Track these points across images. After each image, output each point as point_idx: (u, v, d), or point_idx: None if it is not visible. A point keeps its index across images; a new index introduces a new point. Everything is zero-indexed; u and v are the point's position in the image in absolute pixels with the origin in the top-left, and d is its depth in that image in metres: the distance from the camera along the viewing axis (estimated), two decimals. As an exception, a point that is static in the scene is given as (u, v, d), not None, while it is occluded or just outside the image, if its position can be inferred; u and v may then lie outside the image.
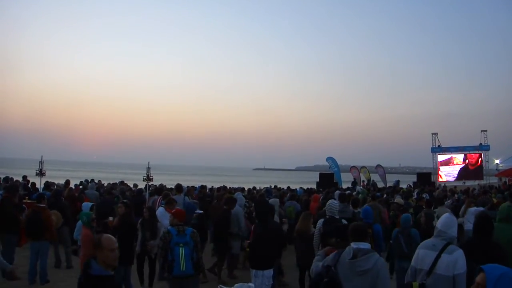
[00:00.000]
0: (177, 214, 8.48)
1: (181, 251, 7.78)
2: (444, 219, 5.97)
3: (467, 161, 51.98)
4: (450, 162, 53.29)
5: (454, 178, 52.25)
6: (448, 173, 53.08)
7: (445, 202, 16.82)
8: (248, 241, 9.82)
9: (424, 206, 14.15)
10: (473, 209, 14.87)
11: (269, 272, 8.66)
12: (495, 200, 19.72)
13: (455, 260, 5.47)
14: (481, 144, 51.07)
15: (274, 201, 13.39)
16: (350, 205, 12.99)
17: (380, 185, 40.64)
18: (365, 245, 5.40)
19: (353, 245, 5.41)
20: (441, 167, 53.45)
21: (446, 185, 44.74)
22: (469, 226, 15.04)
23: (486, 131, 51.53)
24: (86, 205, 10.78)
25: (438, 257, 5.57)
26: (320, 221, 9.68)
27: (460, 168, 52.34)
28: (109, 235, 5.14)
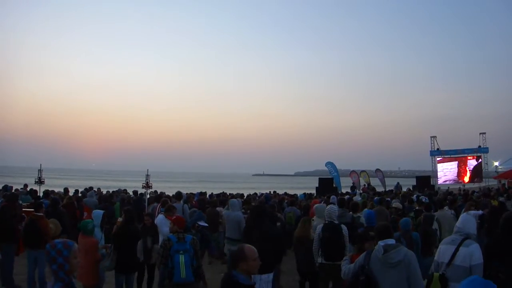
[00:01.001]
0: (177, 221, 8.46)
1: (181, 258, 7.75)
2: (462, 218, 6.77)
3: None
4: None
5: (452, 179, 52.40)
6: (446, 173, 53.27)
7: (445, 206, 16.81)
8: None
9: (424, 210, 14.12)
10: (472, 212, 14.89)
11: (267, 276, 8.57)
12: (495, 203, 19.76)
13: (472, 253, 6.12)
14: (480, 146, 51.20)
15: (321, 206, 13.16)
16: (349, 210, 12.98)
17: (380, 189, 40.63)
18: (392, 241, 6.12)
19: (381, 242, 6.10)
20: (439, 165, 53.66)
21: (449, 187, 44.74)
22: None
23: (485, 133, 51.81)
24: (97, 213, 10.77)
25: (456, 250, 6.25)
26: (319, 226, 9.68)
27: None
28: (250, 245, 5.49)
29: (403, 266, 5.80)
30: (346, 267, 6.84)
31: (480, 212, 14.72)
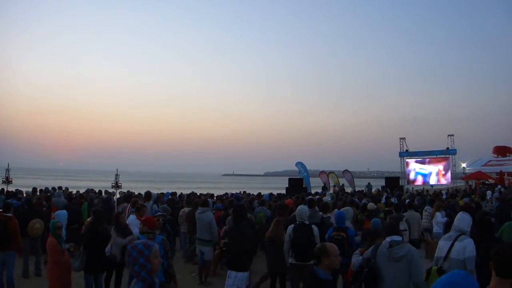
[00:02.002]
0: (147, 222, 8.40)
1: None
2: (458, 216, 7.55)
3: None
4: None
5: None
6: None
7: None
8: (225, 240, 9.82)
9: (393, 211, 14.22)
10: (440, 213, 15.09)
11: (243, 274, 8.62)
12: (461, 203, 20.04)
13: (465, 246, 6.93)
14: (448, 148, 51.70)
15: (347, 209, 13.17)
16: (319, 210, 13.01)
17: (349, 190, 40.89)
18: (398, 238, 6.57)
19: (388, 238, 6.56)
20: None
21: (425, 188, 45.18)
22: (437, 229, 15.22)
23: (453, 135, 52.25)
24: (62, 213, 10.63)
25: (452, 245, 7.05)
26: (290, 226, 9.70)
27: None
28: (331, 243, 6.17)
29: (405, 260, 6.26)
30: (356, 259, 7.30)
31: (444, 219, 15.02)
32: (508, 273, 3.53)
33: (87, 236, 9.59)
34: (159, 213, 11.69)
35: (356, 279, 6.93)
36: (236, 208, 10.29)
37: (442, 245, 7.33)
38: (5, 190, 21.90)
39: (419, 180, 53.44)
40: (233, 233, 9.44)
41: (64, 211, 11.09)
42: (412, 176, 54.33)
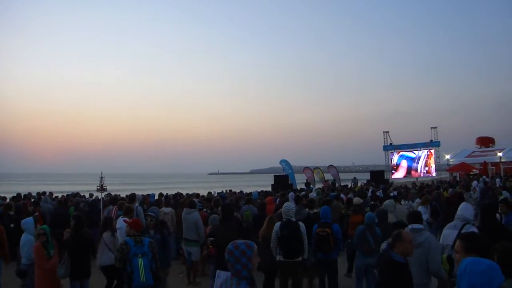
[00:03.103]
0: (133, 225, 8.35)
1: (140, 261, 7.67)
2: (461, 206, 7.97)
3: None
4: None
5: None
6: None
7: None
8: (212, 238, 9.76)
9: (379, 204, 14.25)
10: (423, 208, 15.13)
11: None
12: (446, 194, 20.17)
13: None
14: (431, 140, 52.04)
15: (389, 202, 13.19)
16: (305, 207, 13.02)
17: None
18: (419, 226, 7.38)
19: (410, 226, 7.43)
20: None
21: (416, 181, 45.27)
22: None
23: (436, 128, 52.63)
24: (28, 221, 10.47)
25: (458, 233, 7.18)
26: (277, 224, 9.67)
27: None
28: (406, 231, 6.66)
29: (422, 247, 6.86)
30: (384, 244, 7.74)
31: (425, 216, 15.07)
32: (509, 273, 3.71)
33: (71, 242, 9.47)
34: (150, 214, 11.64)
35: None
36: (224, 207, 10.25)
37: (448, 234, 7.74)
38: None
39: (403, 165, 53.77)
40: (220, 232, 9.41)
41: (31, 218, 10.88)
42: (395, 160, 54.68)
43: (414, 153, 53.75)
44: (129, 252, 7.74)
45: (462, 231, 7.23)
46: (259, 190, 28.59)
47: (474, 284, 3.68)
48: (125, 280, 8.02)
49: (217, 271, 8.64)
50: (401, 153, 54.55)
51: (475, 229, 7.32)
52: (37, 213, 15.39)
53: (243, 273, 4.23)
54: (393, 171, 54.62)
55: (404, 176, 53.82)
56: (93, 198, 23.39)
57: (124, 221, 10.57)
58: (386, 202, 13.18)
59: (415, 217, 7.77)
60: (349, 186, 33.48)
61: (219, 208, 13.52)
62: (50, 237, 9.44)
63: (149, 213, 12.32)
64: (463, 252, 4.21)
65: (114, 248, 9.89)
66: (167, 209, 15.28)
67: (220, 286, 4.60)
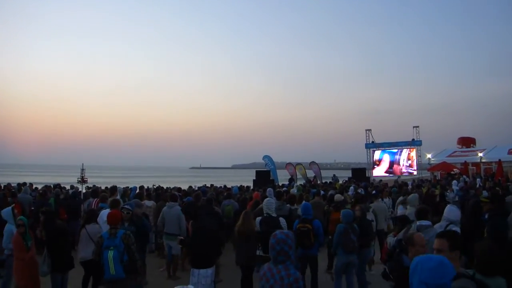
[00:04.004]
0: (110, 217, 8.32)
1: (110, 254, 7.66)
2: (447, 209, 8.35)
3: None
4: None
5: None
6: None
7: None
8: (181, 237, 9.74)
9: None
10: (402, 206, 15.23)
11: (206, 271, 8.45)
12: (424, 190, 20.35)
13: None
14: (413, 139, 52.31)
15: (413, 196, 13.47)
16: (287, 202, 13.05)
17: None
18: (426, 222, 7.68)
19: (417, 222, 7.76)
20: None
21: (399, 179, 45.47)
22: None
23: (418, 127, 52.91)
24: (6, 211, 10.34)
25: None
26: (258, 219, 9.71)
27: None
28: (419, 233, 6.60)
29: (430, 244, 6.56)
30: (391, 239, 8.41)
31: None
32: (491, 272, 3.77)
33: (48, 239, 9.38)
34: (125, 207, 11.56)
35: (390, 257, 7.60)
36: (186, 206, 10.24)
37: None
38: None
39: (386, 160, 54.10)
40: (193, 231, 9.37)
41: (9, 209, 10.75)
42: (377, 156, 54.97)
43: (396, 148, 54.03)
44: (102, 245, 7.73)
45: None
46: (239, 185, 28.52)
47: (425, 281, 3.80)
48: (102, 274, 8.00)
49: (191, 269, 8.63)
50: (382, 149, 54.83)
51: (457, 229, 7.66)
52: (14, 204, 15.28)
53: (292, 257, 4.89)
54: (374, 166, 54.87)
55: (385, 172, 54.04)
56: (73, 190, 23.20)
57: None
58: (410, 196, 13.47)
59: (422, 213, 8.03)
60: (331, 183, 33.58)
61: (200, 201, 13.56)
62: (27, 228, 9.37)
63: (125, 206, 12.29)
64: (448, 251, 4.23)
65: (92, 241, 9.87)
66: (149, 203, 15.24)
67: (264, 274, 5.01)
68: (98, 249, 7.77)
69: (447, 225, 7.92)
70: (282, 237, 4.96)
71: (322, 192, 18.50)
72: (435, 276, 3.77)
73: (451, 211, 8.25)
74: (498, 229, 7.75)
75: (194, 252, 8.68)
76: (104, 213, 11.32)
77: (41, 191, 20.71)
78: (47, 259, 9.05)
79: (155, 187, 27.92)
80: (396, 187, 25.73)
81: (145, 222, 11.25)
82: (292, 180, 41.66)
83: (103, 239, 7.79)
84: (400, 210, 15.28)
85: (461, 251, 4.53)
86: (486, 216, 9.25)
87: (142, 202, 15.01)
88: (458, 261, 4.32)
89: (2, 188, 22.70)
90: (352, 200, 15.81)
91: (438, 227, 7.94)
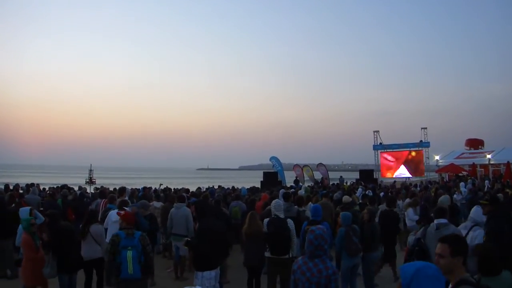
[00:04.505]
0: (126, 217, 8.31)
1: (129, 254, 7.64)
2: (473, 209, 8.58)
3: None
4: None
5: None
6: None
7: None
8: (187, 238, 9.69)
9: (368, 203, 14.27)
10: (412, 209, 15.17)
11: (209, 273, 8.37)
12: (432, 191, 20.25)
13: (476, 236, 7.83)
14: (421, 141, 52.15)
15: (445, 198, 13.61)
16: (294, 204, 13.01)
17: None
18: (444, 220, 7.97)
19: (436, 221, 8.03)
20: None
21: (406, 181, 45.26)
22: (409, 223, 15.29)
23: (426, 128, 52.75)
24: (24, 211, 10.36)
25: (467, 234, 7.93)
26: (265, 220, 9.67)
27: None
28: None
29: None
30: (411, 238, 8.62)
31: (416, 217, 15.05)
32: (491, 272, 3.76)
33: (52, 241, 9.36)
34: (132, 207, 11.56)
35: (410, 256, 7.61)
36: (197, 204, 10.19)
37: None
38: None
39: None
40: (197, 233, 9.32)
41: (27, 208, 10.78)
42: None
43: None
44: (119, 244, 7.72)
45: (470, 232, 7.97)
46: (248, 187, 28.53)
47: None
48: (112, 274, 7.98)
49: (195, 272, 8.58)
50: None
51: (481, 230, 7.94)
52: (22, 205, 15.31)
53: (327, 251, 5.31)
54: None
55: (394, 176, 53.88)
56: (81, 191, 23.24)
57: (118, 213, 10.47)
58: (442, 198, 13.52)
59: (440, 212, 8.27)
60: (338, 185, 33.52)
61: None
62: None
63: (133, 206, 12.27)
64: (450, 257, 4.10)
65: (101, 241, 9.85)
66: (158, 204, 15.24)
67: (299, 267, 5.39)
68: (114, 247, 7.74)
69: (472, 226, 8.14)
70: (320, 232, 5.33)
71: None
72: (434, 284, 3.71)
73: (477, 212, 8.49)
74: (497, 230, 7.75)
75: (197, 254, 8.64)
76: (113, 213, 11.36)
77: (50, 192, 20.78)
78: (52, 260, 9.05)
79: (162, 188, 27.93)
80: (404, 189, 25.69)
81: (142, 221, 11.19)
82: (297, 181, 41.60)
83: (120, 238, 7.78)
84: (410, 213, 15.23)
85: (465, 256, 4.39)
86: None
87: (151, 203, 15.05)
88: (462, 267, 4.16)
89: (11, 188, 22.68)
90: (360, 202, 15.78)
91: (463, 227, 8.28)
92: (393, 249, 12.57)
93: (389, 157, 54.91)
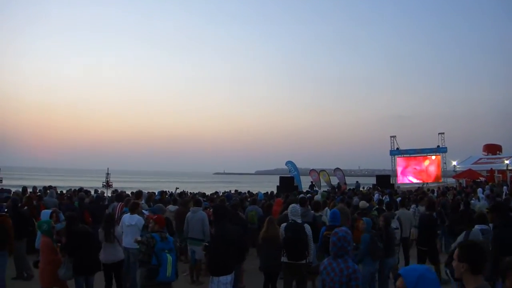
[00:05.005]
0: (158, 220, 8.35)
1: (169, 257, 7.74)
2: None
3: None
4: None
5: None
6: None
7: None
8: (206, 243, 9.69)
9: (385, 209, 14.21)
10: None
11: (225, 278, 8.33)
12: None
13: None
14: (438, 146, 51.92)
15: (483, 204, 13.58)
16: (311, 209, 12.99)
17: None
18: (485, 227, 8.22)
19: (477, 226, 8.30)
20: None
21: (423, 186, 45.00)
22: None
23: (443, 133, 52.57)
24: (46, 213, 10.44)
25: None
26: (282, 225, 9.64)
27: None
28: None
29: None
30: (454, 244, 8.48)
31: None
32: (480, 270, 3.97)
33: (69, 243, 9.38)
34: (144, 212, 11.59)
35: (451, 260, 7.59)
36: (215, 208, 10.17)
37: (476, 234, 8.18)
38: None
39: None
40: (213, 239, 9.30)
41: (48, 210, 10.86)
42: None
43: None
44: (155, 246, 7.75)
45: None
46: (264, 192, 28.53)
47: None
48: (143, 276, 7.99)
49: (211, 277, 8.57)
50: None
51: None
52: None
53: (350, 253, 5.54)
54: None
55: (411, 182, 53.66)
56: (97, 194, 23.36)
57: (149, 216, 10.46)
58: (480, 204, 13.50)
59: (482, 218, 8.51)
60: (354, 190, 33.39)
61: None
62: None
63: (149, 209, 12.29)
64: (457, 261, 4.17)
65: (119, 244, 9.90)
66: (173, 207, 15.27)
67: (325, 268, 5.65)
68: (150, 249, 7.77)
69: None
70: (343, 234, 5.62)
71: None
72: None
73: None
74: (502, 239, 7.35)
75: (213, 259, 8.63)
76: (126, 217, 11.37)
77: (67, 195, 20.91)
78: (68, 262, 9.08)
79: (179, 192, 27.99)
80: (421, 194, 25.55)
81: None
82: (313, 186, 41.52)
83: (156, 240, 7.81)
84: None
85: (473, 264, 4.36)
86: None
87: (167, 207, 15.09)
88: (476, 276, 4.15)
89: (32, 191, 22.88)
90: (376, 207, 15.70)
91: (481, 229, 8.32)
92: (435, 251, 12.62)
93: (406, 162, 54.74)
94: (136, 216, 11.22)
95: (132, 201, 12.31)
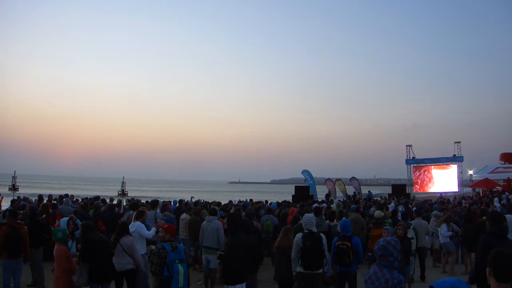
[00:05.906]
0: (169, 230, 8.35)
1: (180, 268, 7.74)
2: (508, 219, 8.72)
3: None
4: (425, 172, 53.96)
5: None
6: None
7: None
8: (220, 252, 9.69)
9: (399, 218, 14.16)
10: (445, 226, 14.93)
11: (241, 286, 8.45)
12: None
13: None
14: (455, 155, 51.63)
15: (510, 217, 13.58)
16: (326, 219, 12.96)
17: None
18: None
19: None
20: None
21: (443, 195, 44.75)
22: (443, 239, 15.05)
23: (459, 142, 52.24)
24: (63, 221, 10.52)
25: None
26: (299, 235, 9.60)
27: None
28: None
29: None
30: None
31: (449, 233, 14.83)
32: (507, 278, 3.72)
33: (84, 251, 9.39)
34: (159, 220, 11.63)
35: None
36: (229, 217, 10.15)
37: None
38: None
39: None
40: (228, 248, 9.30)
41: (66, 218, 10.97)
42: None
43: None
44: (166, 257, 7.76)
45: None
46: (279, 201, 28.45)
47: None
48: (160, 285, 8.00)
49: (225, 286, 8.56)
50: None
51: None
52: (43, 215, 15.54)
53: (395, 264, 5.36)
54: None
55: (427, 191, 53.41)
56: (112, 202, 23.44)
57: (159, 224, 10.47)
58: (508, 216, 13.42)
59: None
60: (370, 199, 33.26)
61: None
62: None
63: (163, 219, 12.31)
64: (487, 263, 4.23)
65: (132, 253, 9.90)
66: (185, 216, 15.28)
67: (369, 277, 5.49)
68: (161, 260, 7.78)
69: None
70: (384, 244, 5.44)
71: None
72: None
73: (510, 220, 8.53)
74: (488, 247, 7.25)
75: (228, 268, 8.62)
76: (131, 225, 11.42)
77: (81, 203, 21.01)
78: (82, 269, 9.11)
79: (194, 200, 28.07)
80: (438, 204, 25.42)
81: None
82: (328, 196, 41.41)
83: (167, 251, 7.82)
84: (444, 229, 15.01)
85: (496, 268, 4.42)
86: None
87: (181, 215, 15.11)
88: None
89: (47, 199, 23.01)
90: (390, 216, 15.64)
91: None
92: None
93: (422, 172, 54.50)
94: (137, 223, 11.37)
95: (139, 209, 12.32)
